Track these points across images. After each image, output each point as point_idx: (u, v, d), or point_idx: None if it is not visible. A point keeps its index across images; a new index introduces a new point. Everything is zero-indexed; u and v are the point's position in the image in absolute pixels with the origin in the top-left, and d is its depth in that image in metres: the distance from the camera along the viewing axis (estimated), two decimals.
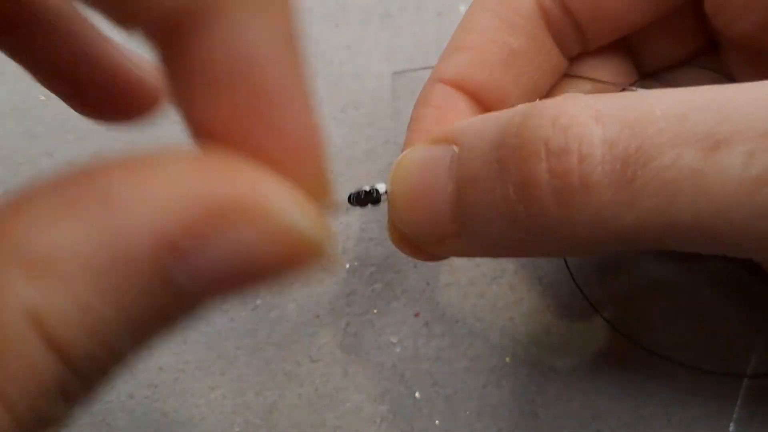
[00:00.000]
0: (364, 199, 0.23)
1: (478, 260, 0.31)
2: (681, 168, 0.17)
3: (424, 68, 0.31)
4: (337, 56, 0.35)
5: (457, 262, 0.31)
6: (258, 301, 0.30)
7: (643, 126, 0.17)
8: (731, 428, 0.28)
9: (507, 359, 0.30)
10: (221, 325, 0.30)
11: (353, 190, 0.24)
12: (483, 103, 0.26)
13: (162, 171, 0.14)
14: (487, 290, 0.31)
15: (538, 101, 0.19)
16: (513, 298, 0.30)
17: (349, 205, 0.24)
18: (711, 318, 0.30)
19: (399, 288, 0.31)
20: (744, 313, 0.30)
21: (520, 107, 0.19)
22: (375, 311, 0.30)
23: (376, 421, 0.29)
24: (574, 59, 0.28)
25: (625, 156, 0.17)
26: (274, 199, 0.14)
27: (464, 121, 0.21)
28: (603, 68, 0.29)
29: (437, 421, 0.29)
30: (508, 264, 0.31)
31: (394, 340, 0.30)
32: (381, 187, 0.23)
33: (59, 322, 0.12)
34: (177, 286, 0.13)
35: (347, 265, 0.31)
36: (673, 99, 0.18)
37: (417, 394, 0.29)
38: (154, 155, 0.14)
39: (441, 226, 0.21)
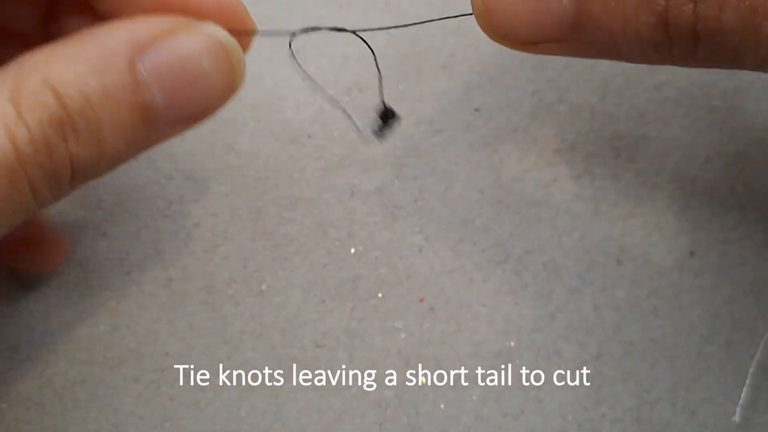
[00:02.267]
0: (385, 121, 0.25)
1: (482, 245, 0.31)
2: None
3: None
4: (342, 38, 0.35)
5: (463, 248, 0.31)
6: (263, 287, 0.30)
7: None
8: (737, 412, 0.28)
9: (512, 344, 0.30)
10: (226, 311, 0.30)
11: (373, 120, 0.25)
12: None
13: (132, 20, 0.21)
14: (492, 275, 0.31)
15: None
16: (518, 283, 0.30)
17: (377, 135, 0.25)
18: (717, 300, 0.30)
19: (404, 273, 0.31)
20: (752, 296, 0.30)
21: None
22: (380, 296, 0.30)
23: (382, 406, 0.29)
24: None
25: (754, 4, 0.19)
26: (205, 24, 0.22)
27: None
28: None
29: (442, 406, 0.29)
30: (513, 249, 0.31)
31: (399, 325, 0.30)
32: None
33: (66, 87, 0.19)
34: (142, 81, 0.20)
35: (353, 250, 0.31)
36: None
37: (422, 379, 0.29)
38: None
39: (549, 31, 0.22)
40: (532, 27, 0.22)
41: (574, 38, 0.22)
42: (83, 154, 0.20)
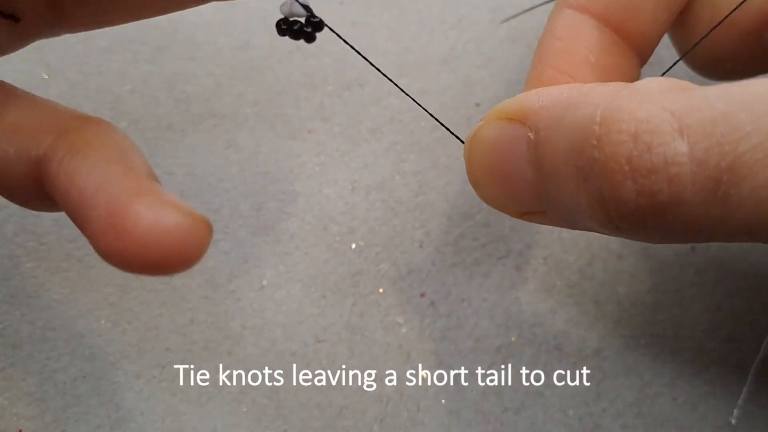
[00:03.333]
0: (297, 30, 0.21)
1: (483, 240, 0.31)
2: None
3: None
4: (342, 33, 0.35)
5: (464, 243, 0.31)
6: (264, 282, 0.30)
7: (733, 143, 0.17)
8: (737, 408, 0.28)
9: (513, 339, 0.30)
10: (227, 306, 0.30)
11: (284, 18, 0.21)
12: (612, 23, 0.24)
13: None
14: (493, 270, 0.31)
15: (607, 95, 0.18)
16: (519, 277, 0.30)
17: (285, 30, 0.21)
18: (718, 295, 0.30)
19: (405, 268, 0.31)
20: (753, 291, 0.30)
21: (594, 99, 0.19)
22: (381, 291, 0.30)
23: (383, 401, 0.29)
24: None
25: (716, 176, 0.17)
26: None
27: (536, 94, 0.20)
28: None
29: (443, 401, 0.29)
30: (513, 244, 0.31)
31: (400, 320, 0.30)
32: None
33: None
34: None
35: (353, 245, 0.31)
36: (762, 104, 0.17)
37: (423, 374, 0.29)
38: None
39: (525, 204, 0.21)
40: (513, 202, 0.22)
41: (550, 211, 0.21)
42: None
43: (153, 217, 0.18)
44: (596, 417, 0.29)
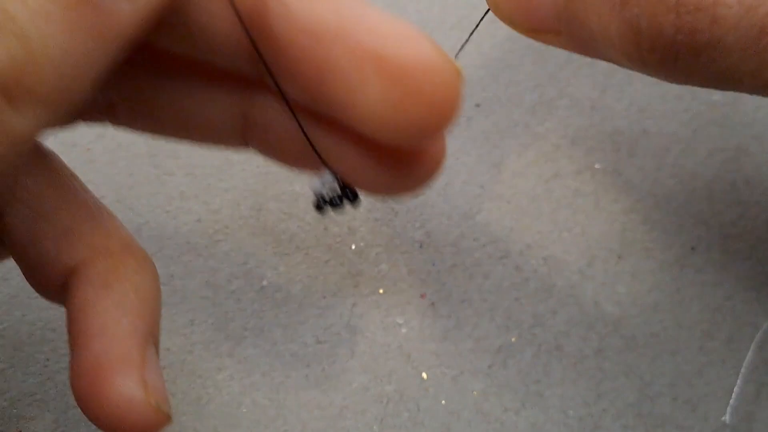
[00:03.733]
0: (335, 201, 0.21)
1: (483, 241, 0.31)
2: None
3: None
4: None
5: (464, 244, 0.31)
6: (264, 282, 0.30)
7: None
8: (729, 406, 0.28)
9: (513, 339, 0.30)
10: (228, 306, 0.30)
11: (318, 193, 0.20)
12: None
13: None
14: (493, 270, 0.31)
15: None
16: (519, 278, 0.30)
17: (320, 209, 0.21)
18: (719, 295, 0.30)
19: (405, 269, 0.31)
20: (753, 291, 0.30)
21: None
22: (381, 292, 0.30)
23: (383, 402, 0.29)
24: None
25: (762, 24, 0.16)
26: None
27: None
28: None
29: (443, 401, 0.29)
30: (514, 245, 0.31)
31: (400, 320, 0.30)
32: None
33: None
34: None
35: (353, 246, 0.31)
36: None
37: (423, 375, 0.29)
38: None
39: (539, 21, 0.20)
40: (526, 16, 0.21)
41: (567, 32, 0.20)
42: (2, 60, 0.14)
43: (126, 394, 0.20)
44: (596, 417, 0.29)
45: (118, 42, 0.16)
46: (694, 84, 0.19)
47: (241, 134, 0.21)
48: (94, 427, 0.28)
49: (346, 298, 0.30)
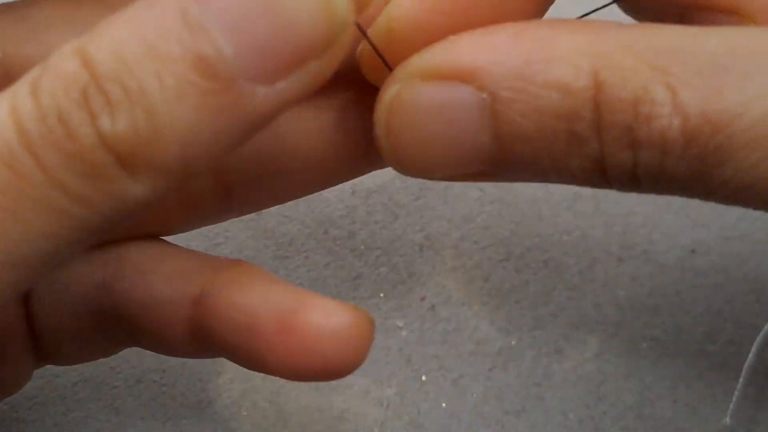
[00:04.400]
0: None
1: (483, 243, 0.31)
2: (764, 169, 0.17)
3: None
4: None
5: (464, 246, 0.31)
6: None
7: (725, 125, 0.17)
8: (730, 408, 0.28)
9: (513, 342, 0.30)
10: None
11: None
12: None
13: None
14: (493, 273, 0.31)
15: (577, 47, 0.17)
16: (519, 281, 0.30)
17: None
18: (719, 298, 0.30)
19: (405, 271, 0.31)
20: (753, 294, 0.30)
21: (564, 53, 0.17)
22: (381, 295, 0.30)
23: (383, 404, 0.29)
24: None
25: (702, 155, 0.17)
26: None
27: (472, 45, 0.18)
28: None
29: (444, 404, 0.29)
30: (514, 247, 0.31)
31: (400, 323, 0.30)
32: None
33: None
34: (197, 25, 0.14)
35: (353, 249, 0.31)
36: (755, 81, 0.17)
37: (423, 378, 0.29)
38: None
39: (469, 169, 0.19)
40: (449, 167, 0.19)
41: (502, 172, 0.20)
42: (125, 131, 0.14)
43: (324, 317, 0.19)
44: (597, 420, 0.29)
45: (247, 126, 0.15)
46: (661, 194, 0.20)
47: None
48: (96, 427, 0.28)
49: (346, 301, 0.30)
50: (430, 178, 0.20)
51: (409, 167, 0.20)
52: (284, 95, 0.15)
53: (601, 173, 0.18)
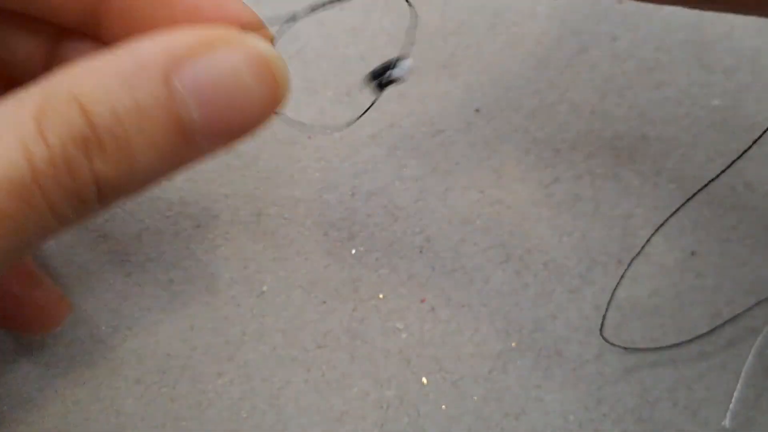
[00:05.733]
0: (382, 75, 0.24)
1: (483, 245, 0.31)
2: None
3: None
4: (341, 39, 0.35)
5: (464, 249, 0.31)
6: (264, 288, 0.30)
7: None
8: (729, 410, 0.28)
9: (513, 344, 0.30)
10: (227, 312, 0.30)
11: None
12: None
13: (168, 32, 0.20)
14: (493, 275, 0.31)
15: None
16: (519, 283, 0.30)
17: (372, 88, 0.24)
18: (719, 300, 0.30)
19: (405, 273, 0.31)
20: (753, 296, 0.30)
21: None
22: (381, 297, 0.30)
23: (383, 407, 0.29)
24: None
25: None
26: (245, 35, 0.20)
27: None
28: None
29: (444, 406, 0.29)
30: (513, 249, 0.31)
31: (400, 325, 0.30)
32: (405, 65, 0.23)
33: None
34: (179, 97, 0.19)
35: (353, 251, 0.31)
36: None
37: (423, 380, 0.29)
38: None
39: None
40: None
41: None
42: (111, 173, 0.19)
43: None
44: (597, 422, 0.28)
45: (189, 166, 0.21)
46: None
47: (43, 69, 0.25)
48: (96, 429, 0.28)
49: (346, 303, 0.30)
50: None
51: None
52: (225, 147, 0.21)
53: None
